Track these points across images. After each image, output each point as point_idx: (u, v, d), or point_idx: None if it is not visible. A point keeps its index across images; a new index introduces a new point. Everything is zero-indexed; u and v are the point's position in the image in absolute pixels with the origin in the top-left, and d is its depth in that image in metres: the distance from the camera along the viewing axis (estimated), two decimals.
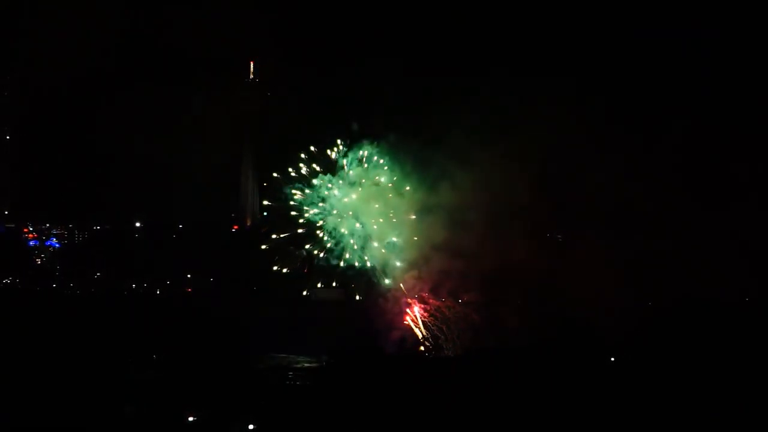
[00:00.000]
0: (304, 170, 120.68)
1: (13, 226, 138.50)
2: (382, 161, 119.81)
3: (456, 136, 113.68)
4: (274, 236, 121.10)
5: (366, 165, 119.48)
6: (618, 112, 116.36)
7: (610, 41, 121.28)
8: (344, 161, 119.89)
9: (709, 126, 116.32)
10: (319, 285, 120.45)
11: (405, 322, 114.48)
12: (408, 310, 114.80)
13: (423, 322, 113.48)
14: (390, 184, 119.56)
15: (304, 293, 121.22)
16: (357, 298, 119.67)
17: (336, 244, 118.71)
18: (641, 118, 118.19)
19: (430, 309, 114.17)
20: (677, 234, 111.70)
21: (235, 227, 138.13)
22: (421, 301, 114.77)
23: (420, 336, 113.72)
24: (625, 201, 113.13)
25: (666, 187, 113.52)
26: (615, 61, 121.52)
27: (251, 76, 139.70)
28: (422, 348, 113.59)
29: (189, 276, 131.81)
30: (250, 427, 78.75)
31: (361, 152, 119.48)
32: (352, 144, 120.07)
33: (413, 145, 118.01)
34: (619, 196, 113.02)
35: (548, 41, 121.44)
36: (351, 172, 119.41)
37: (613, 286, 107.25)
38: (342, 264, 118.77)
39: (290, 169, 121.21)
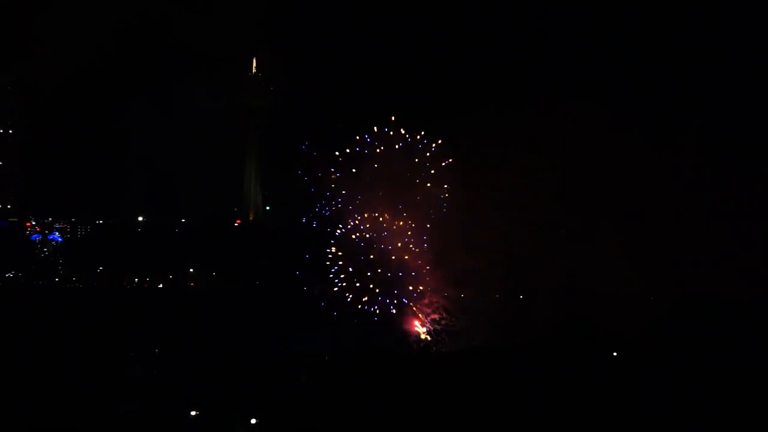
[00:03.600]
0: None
1: (16, 219, 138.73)
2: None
3: (469, 133, 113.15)
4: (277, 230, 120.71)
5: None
6: (630, 110, 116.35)
7: (623, 40, 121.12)
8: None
9: (721, 125, 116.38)
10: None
11: (413, 316, 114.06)
12: (417, 305, 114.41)
13: (430, 317, 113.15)
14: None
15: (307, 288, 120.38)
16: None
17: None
18: (653, 116, 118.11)
19: (437, 302, 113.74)
20: (687, 231, 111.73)
21: (238, 222, 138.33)
22: (429, 294, 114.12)
23: (425, 330, 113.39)
24: (638, 198, 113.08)
25: (677, 185, 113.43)
26: (629, 59, 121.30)
27: (254, 72, 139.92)
28: (428, 339, 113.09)
29: (192, 270, 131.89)
30: (253, 421, 78.86)
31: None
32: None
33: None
34: (631, 193, 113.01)
35: (559, 40, 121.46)
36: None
37: (621, 281, 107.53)
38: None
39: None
